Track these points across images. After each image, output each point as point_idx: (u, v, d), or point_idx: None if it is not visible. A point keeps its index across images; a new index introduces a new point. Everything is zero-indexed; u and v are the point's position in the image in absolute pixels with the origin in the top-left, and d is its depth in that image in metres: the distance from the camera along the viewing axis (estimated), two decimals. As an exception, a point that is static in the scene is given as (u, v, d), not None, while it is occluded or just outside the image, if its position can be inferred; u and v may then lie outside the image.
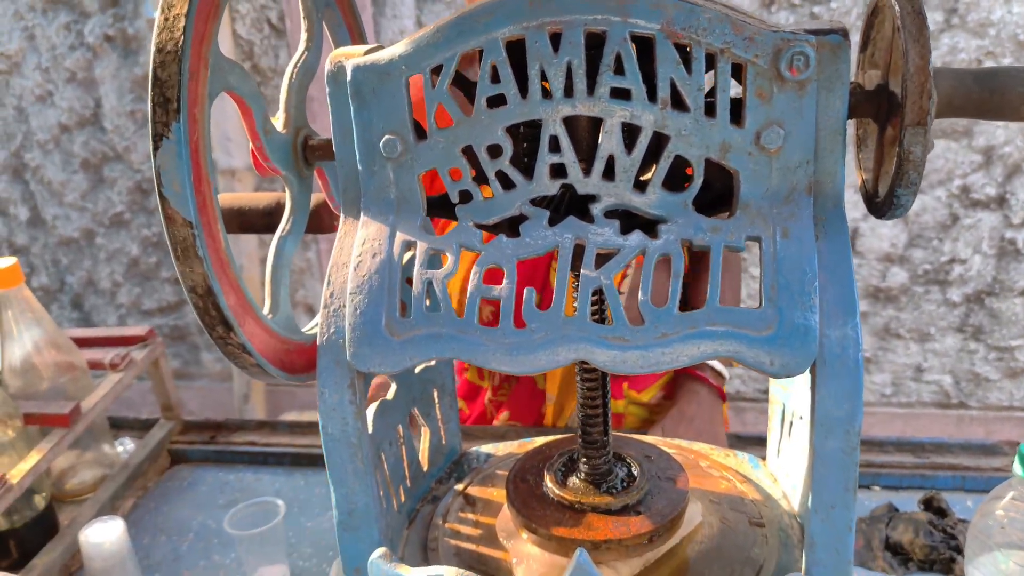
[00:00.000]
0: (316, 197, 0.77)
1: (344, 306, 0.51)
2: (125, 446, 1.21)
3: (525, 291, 0.49)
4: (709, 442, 1.08)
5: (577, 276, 0.50)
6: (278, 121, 0.57)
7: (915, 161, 0.47)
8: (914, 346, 2.02)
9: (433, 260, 0.51)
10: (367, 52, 0.52)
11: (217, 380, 2.62)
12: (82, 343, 1.15)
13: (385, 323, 0.50)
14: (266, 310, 0.54)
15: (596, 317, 0.56)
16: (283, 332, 0.54)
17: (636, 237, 0.50)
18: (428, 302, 0.51)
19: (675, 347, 0.47)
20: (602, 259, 0.49)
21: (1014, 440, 1.08)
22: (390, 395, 0.67)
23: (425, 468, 0.72)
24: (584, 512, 0.61)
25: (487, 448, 0.77)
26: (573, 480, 0.64)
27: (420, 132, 0.52)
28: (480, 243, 0.51)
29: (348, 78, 0.51)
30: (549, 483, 0.63)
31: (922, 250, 1.94)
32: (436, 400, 0.73)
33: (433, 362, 0.48)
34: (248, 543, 0.88)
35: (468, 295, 0.50)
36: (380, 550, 0.54)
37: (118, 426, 1.27)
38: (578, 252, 0.50)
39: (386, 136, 0.51)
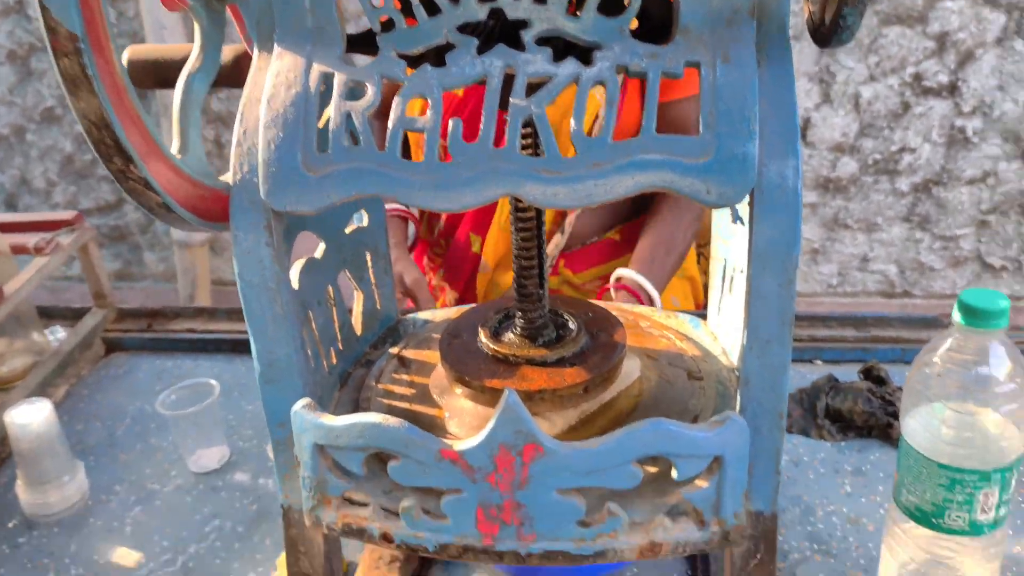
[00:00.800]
0: (236, 48, 0.72)
1: (257, 143, 0.48)
2: (56, 335, 1.17)
3: (450, 122, 0.46)
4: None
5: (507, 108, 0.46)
6: (182, -54, 0.52)
7: None
8: (861, 236, 2.04)
9: (353, 92, 0.48)
10: None
11: (161, 280, 2.56)
12: (6, 228, 1.09)
13: (302, 159, 0.47)
14: (174, 149, 0.51)
15: (529, 151, 0.53)
16: (195, 175, 0.51)
17: (570, 65, 0.46)
18: (348, 137, 0.47)
19: (609, 178, 0.45)
20: (533, 88, 0.46)
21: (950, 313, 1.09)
22: (318, 254, 0.64)
23: (359, 332, 0.70)
24: (518, 365, 0.59)
25: (424, 314, 0.75)
26: (508, 335, 0.62)
27: (336, -49, 0.47)
28: (403, 73, 0.48)
29: None
30: (483, 338, 0.61)
31: (873, 139, 1.93)
32: (369, 264, 0.71)
33: (353, 197, 0.45)
34: (183, 424, 0.85)
35: (389, 127, 0.46)
36: (303, 400, 0.53)
37: (50, 315, 1.23)
38: (508, 82, 0.47)
39: (298, -44, 0.47)
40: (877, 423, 0.95)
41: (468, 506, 0.50)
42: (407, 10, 0.48)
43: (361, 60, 0.49)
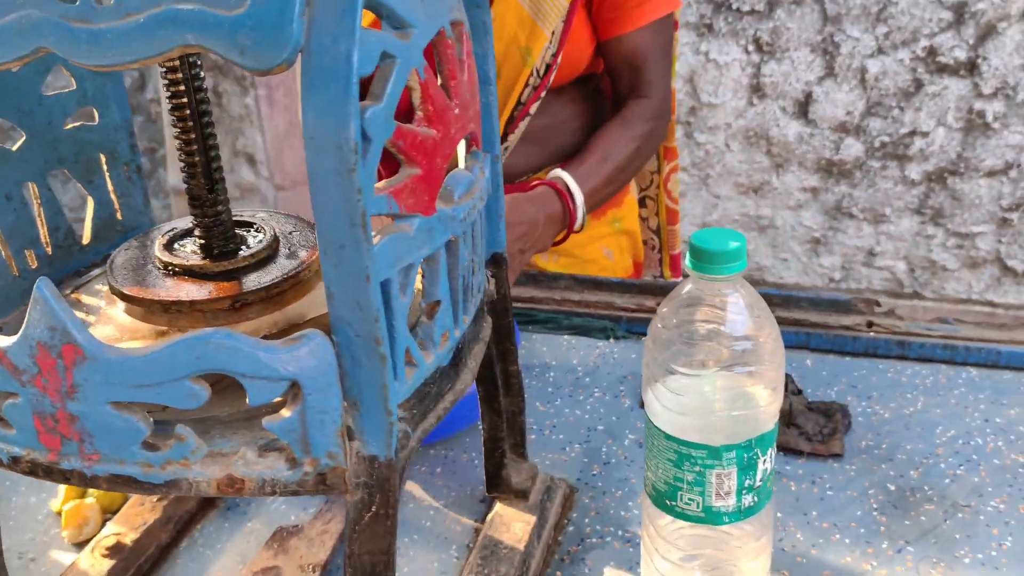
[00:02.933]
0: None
1: None
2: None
3: (-12, -38, 0.40)
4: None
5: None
6: None
7: None
8: (867, 227, 1.88)
9: None
10: None
11: None
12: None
13: None
14: None
15: None
16: None
17: None
18: None
19: (141, 34, 0.38)
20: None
21: (871, 298, 0.97)
22: (15, 147, 0.59)
23: (86, 240, 0.64)
24: (179, 275, 0.53)
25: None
26: (185, 246, 0.55)
27: None
28: None
29: None
30: (157, 247, 0.55)
31: (881, 120, 1.77)
32: (104, 167, 0.65)
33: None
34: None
35: None
36: None
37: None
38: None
39: None
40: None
41: (25, 413, 0.44)
42: None
43: None
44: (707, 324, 0.51)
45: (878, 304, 0.97)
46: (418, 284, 0.51)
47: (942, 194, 1.80)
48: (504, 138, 1.13)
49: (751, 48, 1.84)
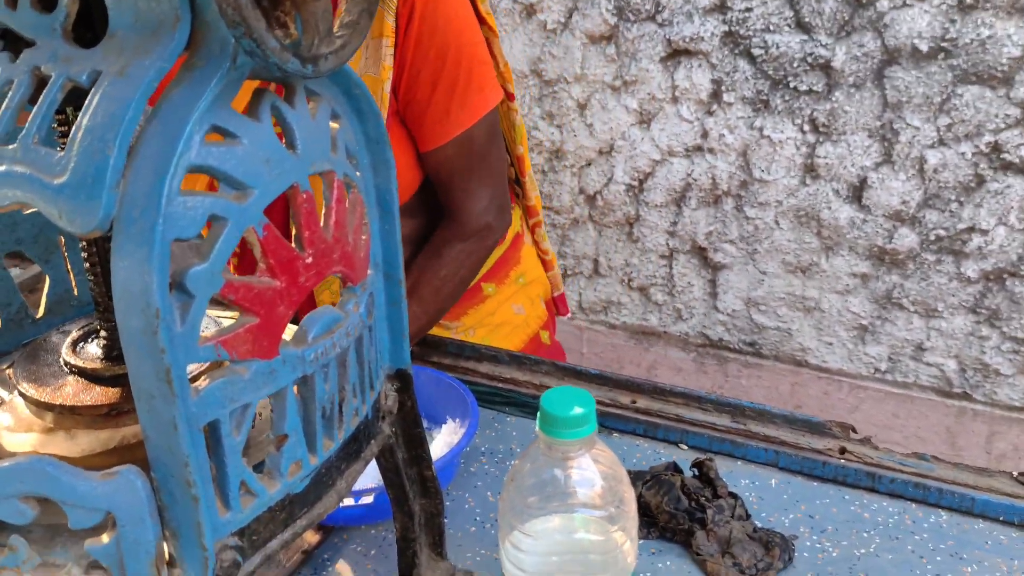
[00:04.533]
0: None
1: None
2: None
3: None
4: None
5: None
6: None
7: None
8: (917, 321, 1.79)
9: None
10: None
11: None
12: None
13: None
14: None
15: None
16: None
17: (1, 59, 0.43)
18: None
19: (-15, 186, 0.41)
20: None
21: (847, 423, 0.94)
22: (-26, 229, 0.64)
23: (39, 314, 0.69)
24: (75, 374, 0.56)
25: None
26: (92, 344, 0.59)
27: None
28: None
29: None
30: (66, 343, 0.59)
31: (938, 212, 1.69)
32: (63, 247, 0.70)
33: None
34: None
35: None
36: None
37: None
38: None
39: None
40: (678, 527, 0.84)
41: None
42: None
43: None
44: (558, 479, 0.51)
45: (854, 430, 0.94)
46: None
47: (999, 295, 1.71)
48: None
49: (807, 128, 1.79)
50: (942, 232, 1.70)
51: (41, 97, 0.41)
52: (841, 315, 1.91)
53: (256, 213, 0.44)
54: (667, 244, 2.09)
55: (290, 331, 0.56)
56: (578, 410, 0.47)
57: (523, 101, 2.14)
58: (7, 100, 0.42)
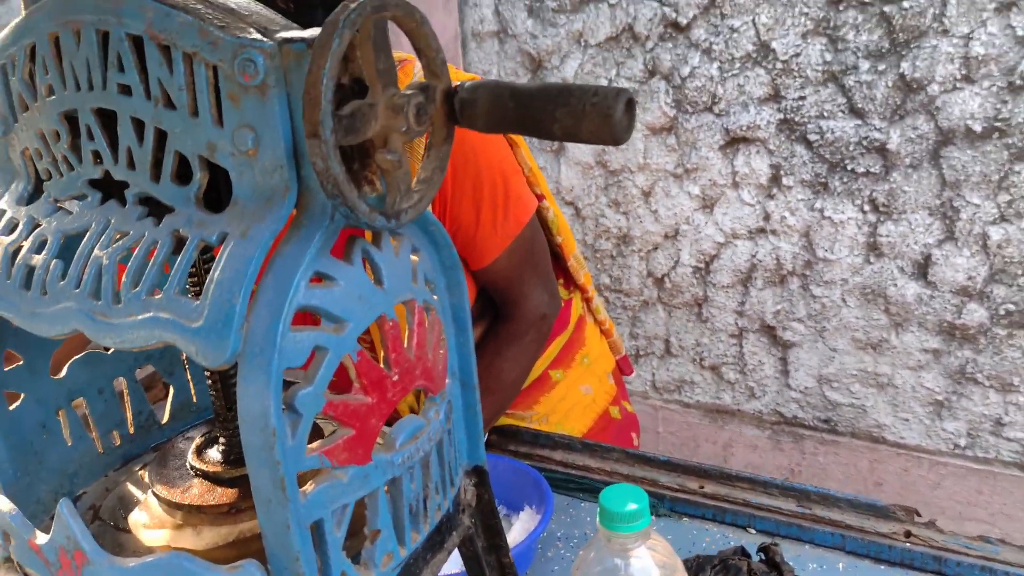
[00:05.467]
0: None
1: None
2: None
3: (53, 263, 0.54)
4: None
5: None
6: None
7: (325, 175, 0.46)
8: (994, 395, 1.77)
9: (8, 226, 0.58)
10: (-11, 41, 0.59)
11: None
12: None
13: (-38, 278, 0.58)
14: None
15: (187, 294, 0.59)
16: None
17: (145, 224, 0.53)
18: (-2, 264, 0.57)
19: (135, 329, 0.51)
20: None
21: (910, 506, 0.96)
22: (112, 350, 0.75)
23: (164, 421, 0.79)
24: (200, 477, 0.65)
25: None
26: (213, 449, 0.68)
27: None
28: (44, 217, 0.57)
29: (-29, 63, 0.59)
30: (191, 451, 0.68)
31: (1005, 287, 1.69)
32: (184, 362, 0.80)
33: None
34: None
35: (16, 261, 0.56)
36: (-19, 477, 0.63)
37: None
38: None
39: (-8, 116, 0.59)
40: (744, 609, 0.87)
41: (52, 595, 0.57)
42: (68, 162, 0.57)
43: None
44: (618, 567, 0.57)
45: (918, 514, 0.96)
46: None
47: (1079, 367, 1.69)
48: None
49: (867, 208, 1.83)
50: (1011, 307, 1.70)
51: (180, 255, 0.51)
52: (915, 391, 1.90)
53: (351, 342, 0.53)
54: (736, 323, 2.13)
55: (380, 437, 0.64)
56: (632, 506, 0.53)
57: (590, 190, 2.23)
58: (154, 258, 0.52)
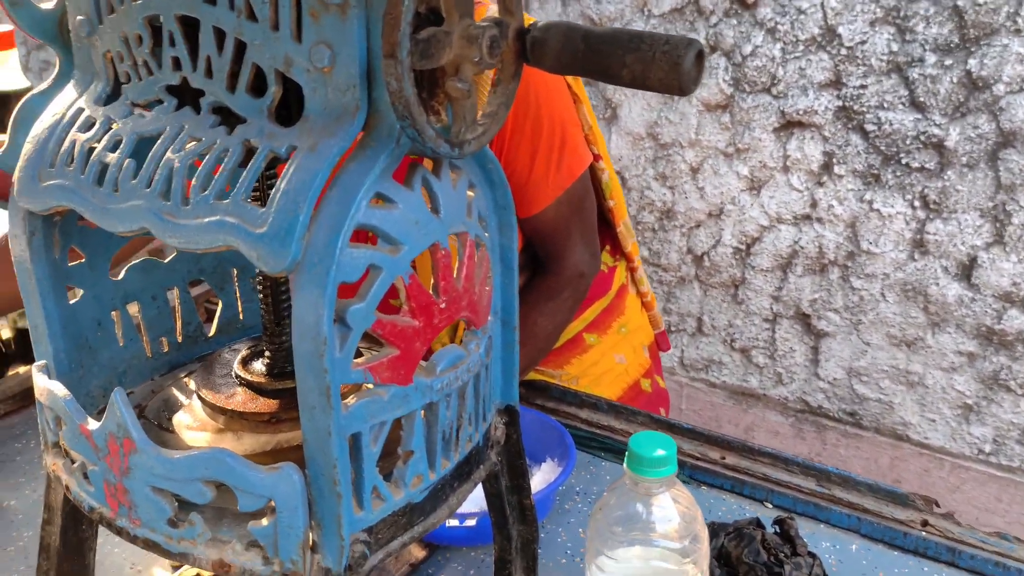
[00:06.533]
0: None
1: (27, 154, 0.62)
2: None
3: (127, 162, 0.56)
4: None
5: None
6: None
7: (398, 96, 0.47)
8: (1026, 403, 1.76)
9: (86, 124, 0.60)
10: (80, -57, 0.61)
11: None
12: None
13: (39, 171, 0.60)
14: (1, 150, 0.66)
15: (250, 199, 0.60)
16: (9, 170, 0.66)
17: (218, 131, 0.55)
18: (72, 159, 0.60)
19: (203, 231, 0.53)
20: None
21: (930, 496, 0.96)
22: (167, 260, 0.77)
23: (211, 334, 0.82)
24: (244, 386, 0.67)
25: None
26: (258, 361, 0.70)
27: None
28: (121, 118, 0.59)
29: (61, -36, 0.61)
30: (236, 361, 0.70)
31: (1050, 296, 1.67)
32: (235, 278, 0.82)
33: (56, 207, 0.57)
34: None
35: (91, 156, 0.58)
36: (40, 363, 0.65)
37: None
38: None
39: (78, 17, 0.60)
40: (754, 576, 0.89)
41: (98, 479, 0.60)
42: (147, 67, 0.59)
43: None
44: (640, 512, 0.58)
45: (937, 504, 0.96)
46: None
47: (1116, 384, 1.67)
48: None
49: (917, 204, 1.81)
50: (1055, 316, 1.68)
51: (249, 164, 0.53)
52: (945, 392, 1.89)
53: (405, 265, 0.54)
54: (771, 308, 2.13)
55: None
56: (661, 452, 0.54)
57: (638, 162, 2.23)
58: (223, 164, 0.53)
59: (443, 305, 0.58)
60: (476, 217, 0.62)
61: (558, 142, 1.15)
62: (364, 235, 0.54)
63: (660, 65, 0.50)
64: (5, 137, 0.67)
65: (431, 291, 0.57)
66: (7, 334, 1.12)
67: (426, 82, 0.53)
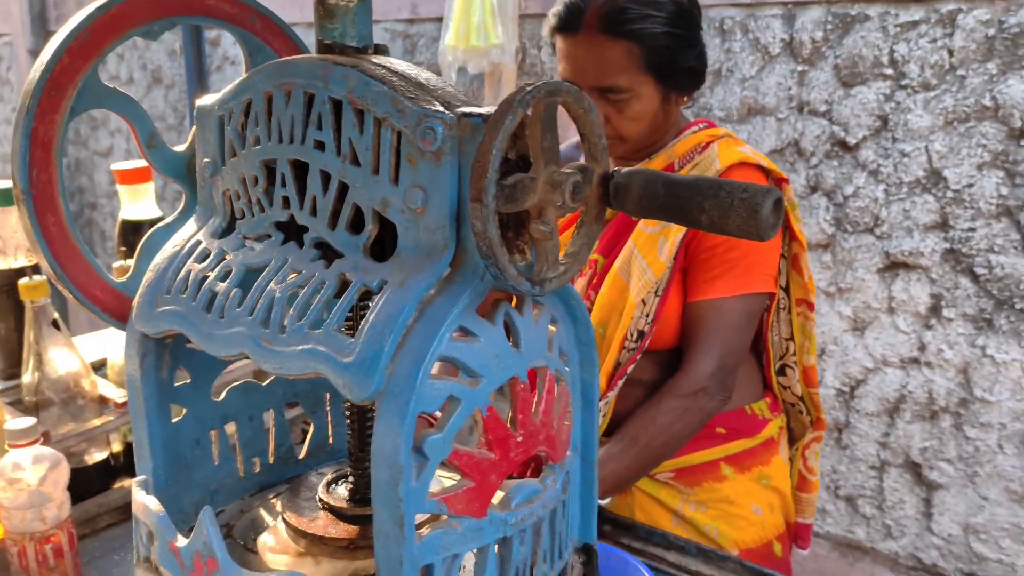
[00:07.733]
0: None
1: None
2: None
3: (234, 292, 0.61)
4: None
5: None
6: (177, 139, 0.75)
7: (482, 237, 0.50)
8: None
9: (202, 255, 0.65)
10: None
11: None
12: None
13: (156, 297, 0.65)
14: (124, 277, 0.72)
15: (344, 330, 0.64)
16: (129, 294, 0.72)
17: (317, 265, 0.59)
18: (186, 288, 0.65)
19: (295, 358, 0.56)
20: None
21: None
22: (265, 383, 0.81)
23: (301, 456, 0.84)
24: (327, 510, 0.69)
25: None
26: (343, 485, 0.72)
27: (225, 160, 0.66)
28: (232, 250, 0.64)
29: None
30: (321, 485, 0.72)
31: None
32: (327, 404, 0.85)
33: (168, 331, 0.61)
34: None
35: (203, 286, 0.63)
36: (140, 478, 0.69)
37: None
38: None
39: (204, 159, 0.67)
40: None
41: (182, 594, 0.61)
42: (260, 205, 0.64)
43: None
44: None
45: None
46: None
47: None
48: (602, 395, 1.22)
49: (1035, 351, 1.72)
50: None
51: (343, 297, 0.56)
52: (1078, 557, 1.73)
53: (484, 397, 0.56)
54: (878, 455, 2.02)
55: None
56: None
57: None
58: (319, 295, 0.57)
59: (520, 438, 0.59)
60: (557, 352, 0.63)
61: (739, 257, 1.18)
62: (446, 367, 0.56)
63: (738, 212, 0.52)
64: (131, 263, 0.73)
65: (508, 424, 0.58)
66: (117, 447, 1.18)
67: (512, 223, 0.56)
